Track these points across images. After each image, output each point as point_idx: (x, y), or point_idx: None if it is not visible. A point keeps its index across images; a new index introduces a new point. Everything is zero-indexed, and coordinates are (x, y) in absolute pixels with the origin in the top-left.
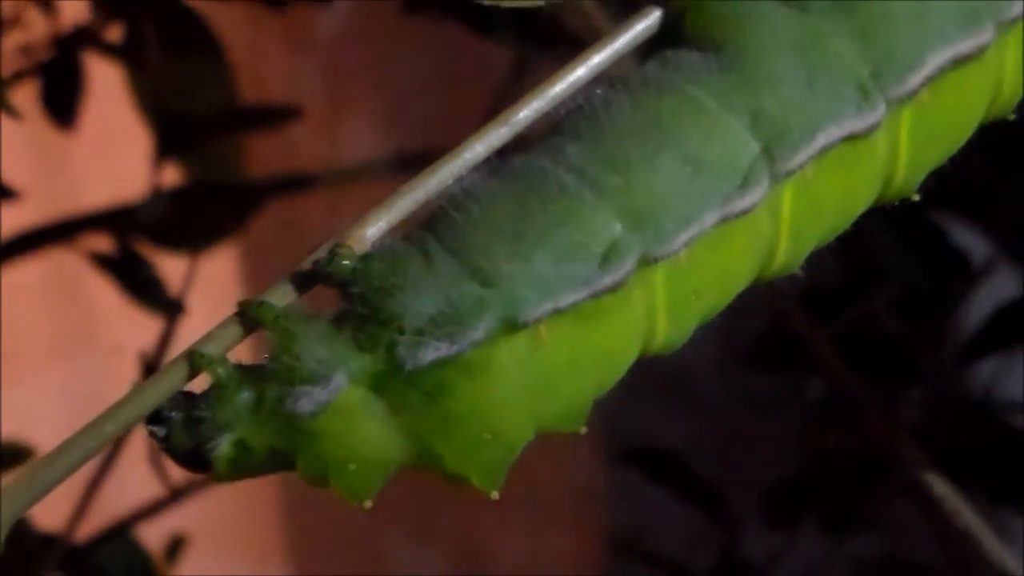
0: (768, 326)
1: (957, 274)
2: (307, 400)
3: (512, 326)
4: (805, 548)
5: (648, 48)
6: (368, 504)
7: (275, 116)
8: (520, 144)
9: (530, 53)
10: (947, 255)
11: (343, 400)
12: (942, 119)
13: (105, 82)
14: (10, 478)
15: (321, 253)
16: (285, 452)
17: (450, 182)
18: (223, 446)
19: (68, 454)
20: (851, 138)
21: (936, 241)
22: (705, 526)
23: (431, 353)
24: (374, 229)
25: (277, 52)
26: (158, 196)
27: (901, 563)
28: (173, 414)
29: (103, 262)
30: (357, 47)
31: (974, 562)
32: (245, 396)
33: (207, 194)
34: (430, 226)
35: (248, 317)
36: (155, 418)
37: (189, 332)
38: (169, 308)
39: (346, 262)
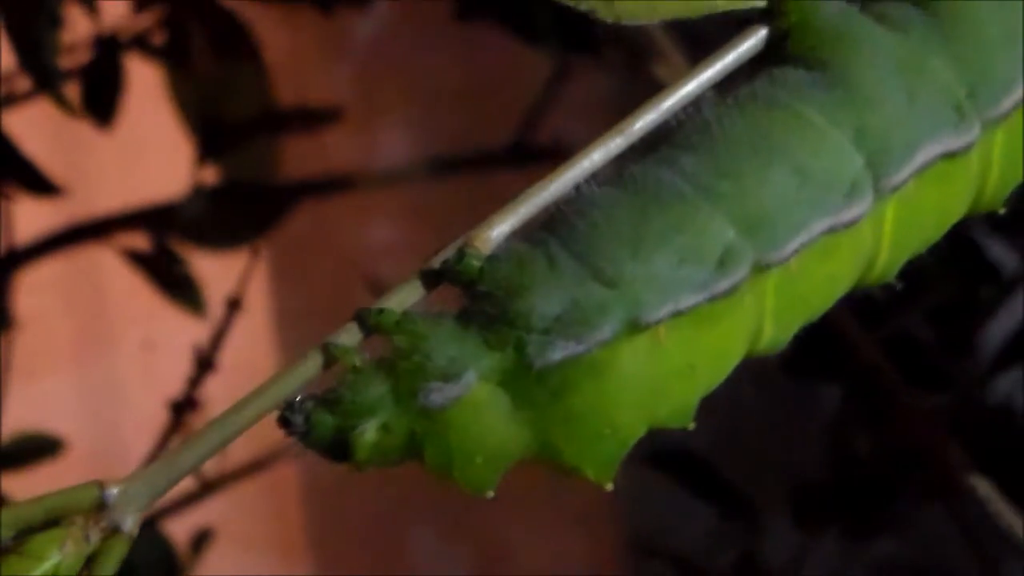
0: (812, 330)
1: (989, 286)
2: (438, 395)
3: (635, 327)
4: (826, 552)
5: (754, 65)
6: (491, 494)
7: (313, 119)
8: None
9: (572, 60)
10: (981, 267)
11: (473, 395)
12: None
13: (143, 83)
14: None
15: (448, 253)
16: (417, 440)
17: (569, 188)
18: (369, 431)
19: (203, 442)
20: (948, 156)
21: (970, 253)
22: (726, 529)
23: (559, 352)
24: (499, 231)
25: (313, 56)
26: (198, 195)
27: (923, 569)
28: (311, 403)
29: (137, 259)
30: (393, 52)
31: (1009, 566)
32: (385, 384)
33: (242, 195)
34: (551, 229)
35: (368, 323)
36: (287, 410)
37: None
38: (200, 306)
39: (474, 262)
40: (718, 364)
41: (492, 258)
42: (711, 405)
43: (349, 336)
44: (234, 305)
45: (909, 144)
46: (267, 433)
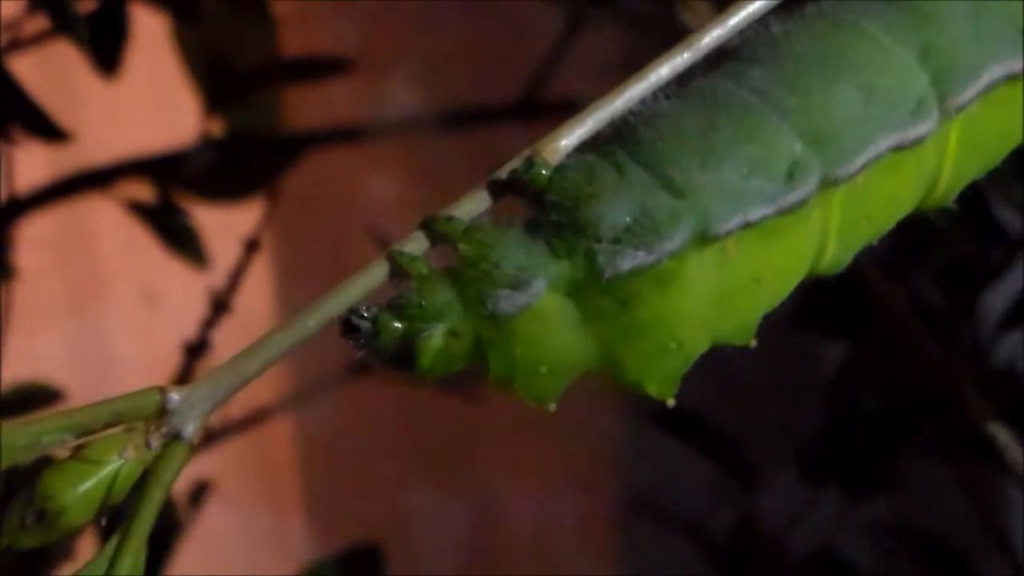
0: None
1: (996, 249)
2: (507, 303)
3: (704, 239)
4: (828, 510)
5: None
6: (552, 407)
7: (320, 70)
8: None
9: (586, 15)
10: (989, 229)
11: (541, 304)
12: None
13: (148, 33)
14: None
15: (515, 164)
16: (482, 350)
17: (635, 102)
18: (436, 336)
19: (268, 346)
20: (1012, 79)
21: (980, 215)
22: (722, 488)
23: (629, 262)
24: (566, 142)
25: (320, 8)
26: (207, 146)
27: (920, 529)
28: (376, 308)
29: (139, 210)
30: (402, 4)
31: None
32: (450, 291)
33: (247, 146)
34: (618, 140)
35: (435, 231)
36: (353, 316)
37: (216, 283)
38: (202, 259)
39: (543, 171)
40: (783, 280)
41: (560, 167)
42: (712, 362)
43: (415, 245)
44: (252, 247)
45: (974, 65)
46: (261, 390)
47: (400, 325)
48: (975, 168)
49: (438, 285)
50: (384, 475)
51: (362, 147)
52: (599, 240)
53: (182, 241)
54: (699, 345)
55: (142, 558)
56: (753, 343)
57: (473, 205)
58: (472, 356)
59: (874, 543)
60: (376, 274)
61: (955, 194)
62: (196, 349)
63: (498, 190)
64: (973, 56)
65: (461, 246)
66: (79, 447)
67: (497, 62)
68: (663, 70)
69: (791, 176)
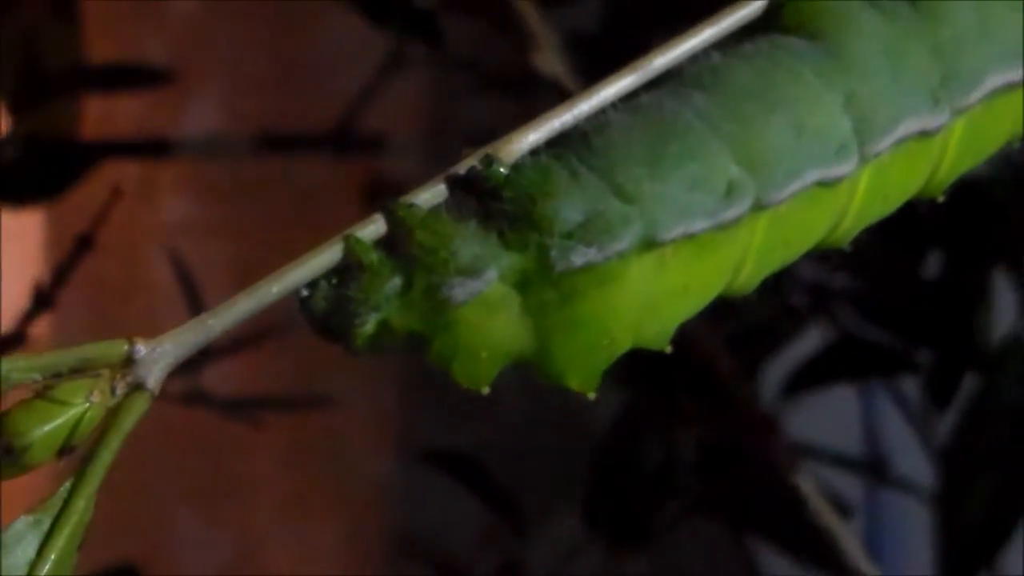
0: None
1: (783, 320)
2: (461, 290)
3: (649, 244)
4: (592, 560)
5: (745, 31)
6: (486, 390)
7: (131, 79)
8: None
9: (407, 51)
10: (779, 302)
11: (490, 293)
12: (988, 133)
13: None
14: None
15: (472, 162)
16: (419, 335)
17: (582, 116)
18: (368, 325)
19: (232, 310)
20: (919, 135)
21: (772, 287)
22: (486, 534)
23: (580, 258)
24: (520, 145)
25: (133, 17)
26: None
27: None
28: (322, 292)
29: None
30: (216, 26)
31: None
32: (395, 282)
33: (41, 151)
34: (570, 146)
35: (395, 217)
36: (310, 289)
37: None
38: None
39: (501, 169)
40: (706, 291)
41: (516, 166)
42: (489, 405)
43: (372, 229)
44: (84, 243)
45: (891, 117)
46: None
47: (337, 312)
48: (876, 213)
49: (384, 276)
50: (146, 497)
51: (157, 165)
52: (552, 235)
53: None
54: (624, 345)
55: (92, 502)
56: (668, 349)
57: (429, 196)
58: (405, 342)
59: None
60: (333, 253)
61: (852, 237)
62: (11, 341)
63: (455, 185)
64: (891, 109)
65: (418, 233)
66: (46, 388)
67: (308, 90)
68: (609, 90)
69: (729, 194)
